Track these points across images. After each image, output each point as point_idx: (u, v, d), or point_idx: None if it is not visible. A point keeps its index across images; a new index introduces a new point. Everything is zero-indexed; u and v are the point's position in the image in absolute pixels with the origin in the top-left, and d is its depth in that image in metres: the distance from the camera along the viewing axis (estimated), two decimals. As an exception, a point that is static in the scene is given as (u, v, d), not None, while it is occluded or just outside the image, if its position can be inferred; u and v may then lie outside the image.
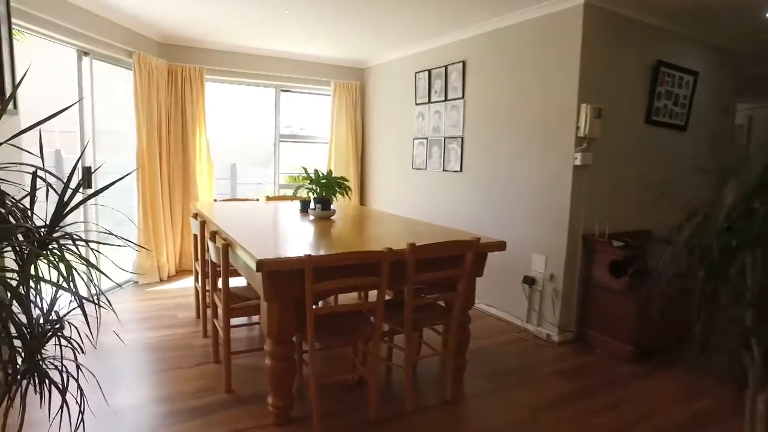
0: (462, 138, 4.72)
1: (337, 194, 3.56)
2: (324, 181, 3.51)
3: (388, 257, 2.43)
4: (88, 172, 4.32)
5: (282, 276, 2.30)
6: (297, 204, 4.39)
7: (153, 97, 5.00)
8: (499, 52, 4.27)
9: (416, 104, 5.36)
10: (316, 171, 3.60)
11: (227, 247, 2.77)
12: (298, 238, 2.84)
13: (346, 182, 3.61)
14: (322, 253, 2.39)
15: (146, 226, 4.98)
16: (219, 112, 5.97)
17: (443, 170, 4.97)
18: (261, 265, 2.18)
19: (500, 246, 2.90)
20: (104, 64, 4.63)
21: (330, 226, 3.32)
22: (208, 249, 3.18)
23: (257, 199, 4.81)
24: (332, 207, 3.66)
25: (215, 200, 4.60)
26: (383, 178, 6.07)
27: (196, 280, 4.03)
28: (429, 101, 5.16)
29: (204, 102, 5.48)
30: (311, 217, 3.65)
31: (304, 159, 9.18)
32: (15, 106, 3.22)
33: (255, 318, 3.95)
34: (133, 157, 4.86)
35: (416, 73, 5.34)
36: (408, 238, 2.82)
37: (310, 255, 2.24)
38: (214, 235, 3.14)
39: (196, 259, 3.92)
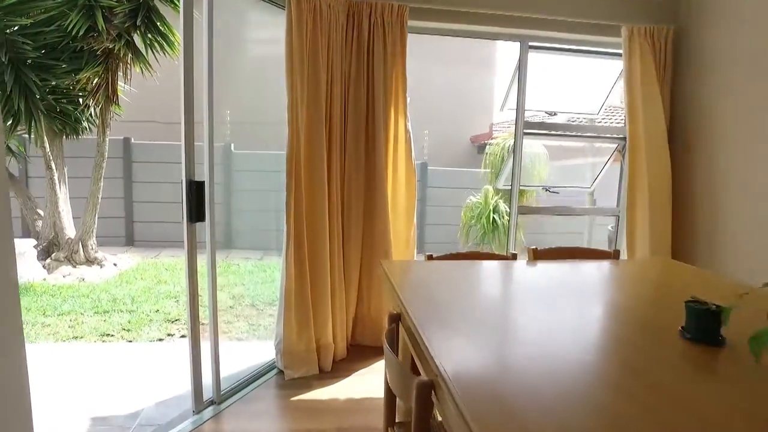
0: None
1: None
2: None
3: None
4: (198, 189, 2.25)
5: None
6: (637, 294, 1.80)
7: (320, 57, 2.82)
8: None
9: None
10: None
11: None
12: None
13: None
14: None
15: (300, 279, 2.84)
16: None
17: None
18: None
19: None
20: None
21: None
22: None
23: (512, 255, 2.31)
24: None
25: (429, 257, 2.18)
26: (740, 213, 3.13)
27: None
28: None
29: (404, 65, 3.18)
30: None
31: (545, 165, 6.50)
32: None
33: None
34: (281, 159, 2.74)
35: None
36: None
37: None
38: None
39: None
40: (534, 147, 6.76)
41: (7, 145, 6.53)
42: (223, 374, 2.75)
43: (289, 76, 2.70)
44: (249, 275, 6.22)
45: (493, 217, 6.29)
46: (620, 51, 3.38)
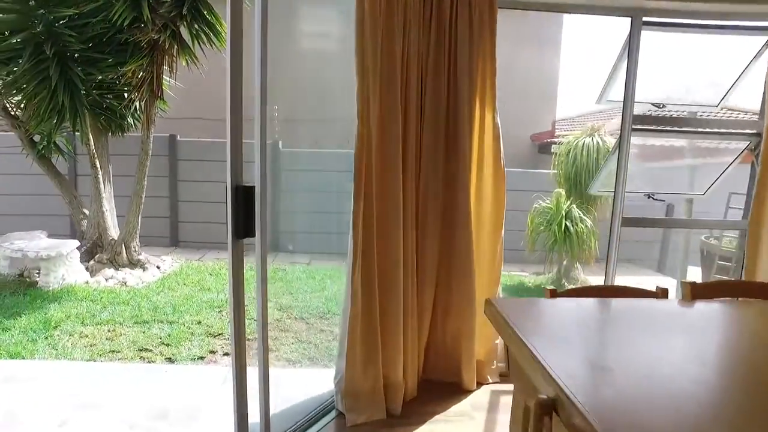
0: None
1: None
2: None
3: None
4: (247, 196, 1.77)
5: None
6: None
7: (395, 39, 2.30)
8: None
9: None
10: None
11: None
12: None
13: None
14: None
15: (368, 303, 2.33)
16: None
17: None
18: None
19: None
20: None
21: None
22: None
23: (661, 291, 1.71)
24: None
25: (553, 292, 1.61)
26: None
27: None
28: None
29: (494, 47, 2.62)
30: None
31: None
32: None
33: None
34: (335, 158, 2.24)
35: None
36: None
37: None
38: None
39: None
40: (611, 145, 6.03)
41: (55, 142, 6.35)
42: (273, 410, 2.27)
43: (360, 60, 2.20)
44: (297, 282, 5.80)
45: (566, 224, 5.63)
46: (766, 23, 2.71)
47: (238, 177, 1.69)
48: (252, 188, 1.75)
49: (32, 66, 5.20)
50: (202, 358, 3.81)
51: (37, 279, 5.34)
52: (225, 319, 4.55)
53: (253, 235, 1.80)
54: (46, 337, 4.10)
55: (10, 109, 5.95)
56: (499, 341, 2.92)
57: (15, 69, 5.21)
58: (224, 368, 3.49)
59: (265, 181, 1.82)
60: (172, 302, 4.88)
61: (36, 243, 5.53)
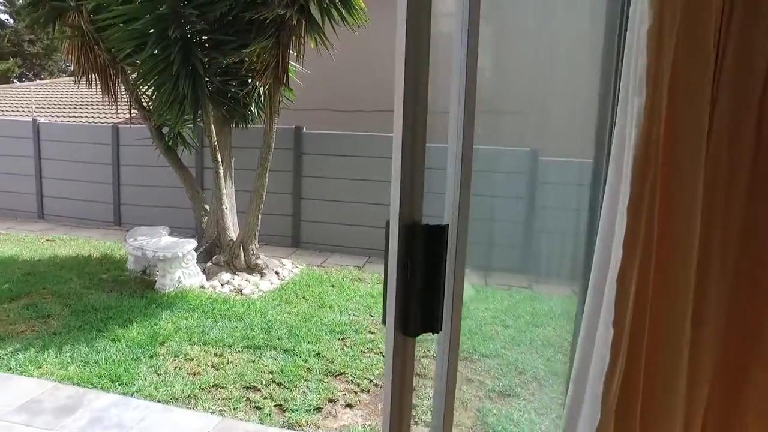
0: None
1: None
2: None
3: None
4: (430, 249, 0.77)
5: None
6: None
7: (702, 12, 1.14)
8: None
9: None
10: None
11: None
12: None
13: None
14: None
15: (628, 381, 1.23)
16: None
17: None
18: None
19: None
20: None
21: None
22: None
23: None
24: None
25: None
26: None
27: None
28: None
29: None
30: None
31: None
32: None
33: None
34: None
35: None
36: None
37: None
38: None
39: None
40: None
41: (180, 133, 6.05)
42: None
43: (652, 43, 1.09)
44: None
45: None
46: None
47: (414, 207, 0.70)
48: (443, 230, 0.75)
49: (159, 51, 4.81)
50: (318, 409, 2.98)
51: (157, 278, 4.98)
52: (348, 350, 3.72)
53: (438, 330, 0.81)
54: (151, 356, 3.58)
55: (142, 100, 5.73)
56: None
57: (145, 57, 4.86)
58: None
59: (466, 216, 0.82)
60: (288, 322, 4.16)
61: (155, 242, 5.17)
